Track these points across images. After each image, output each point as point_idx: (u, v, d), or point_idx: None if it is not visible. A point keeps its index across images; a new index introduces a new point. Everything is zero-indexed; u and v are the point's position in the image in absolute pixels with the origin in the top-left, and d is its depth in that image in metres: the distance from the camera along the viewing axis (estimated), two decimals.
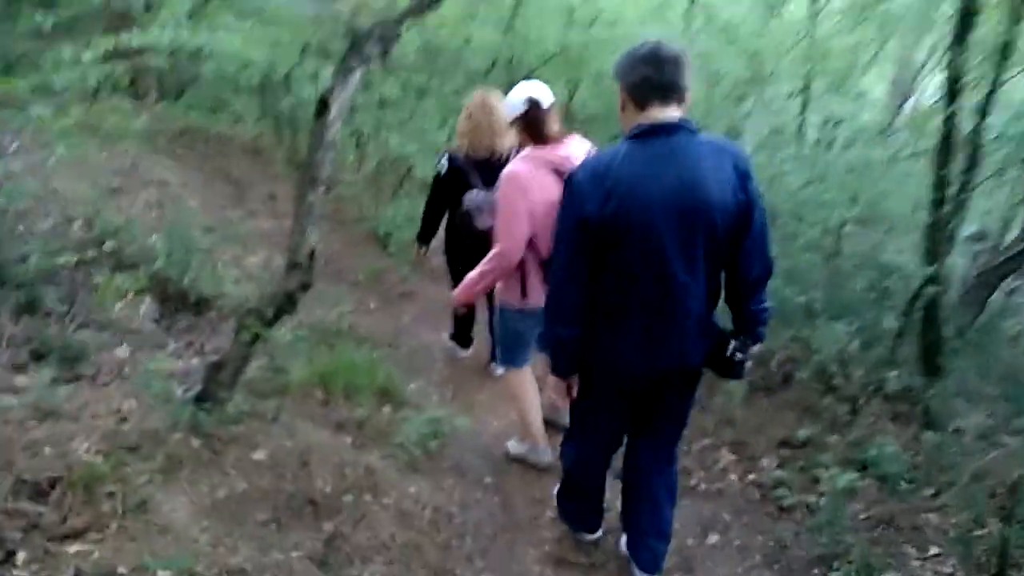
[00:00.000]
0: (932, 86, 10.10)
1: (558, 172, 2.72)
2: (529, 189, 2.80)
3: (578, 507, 2.93)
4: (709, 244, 2.17)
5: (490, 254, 2.93)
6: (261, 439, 2.69)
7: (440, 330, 5.17)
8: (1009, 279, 5.01)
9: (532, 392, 3.36)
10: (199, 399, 2.65)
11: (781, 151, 8.50)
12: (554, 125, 2.90)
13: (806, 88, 8.07)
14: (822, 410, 3.81)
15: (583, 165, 2.25)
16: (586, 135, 3.06)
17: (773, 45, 9.39)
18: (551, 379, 2.47)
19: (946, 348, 3.86)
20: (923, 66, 10.57)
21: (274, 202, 6.69)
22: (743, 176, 2.17)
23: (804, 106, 7.12)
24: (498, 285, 3.13)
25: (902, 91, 11.57)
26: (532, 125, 2.88)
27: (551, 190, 2.69)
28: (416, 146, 6.43)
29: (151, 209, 5.28)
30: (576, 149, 2.89)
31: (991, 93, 3.72)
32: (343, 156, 6.39)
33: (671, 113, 2.14)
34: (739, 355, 2.33)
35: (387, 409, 3.57)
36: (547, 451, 3.46)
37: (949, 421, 3.73)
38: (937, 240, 3.79)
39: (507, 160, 3.30)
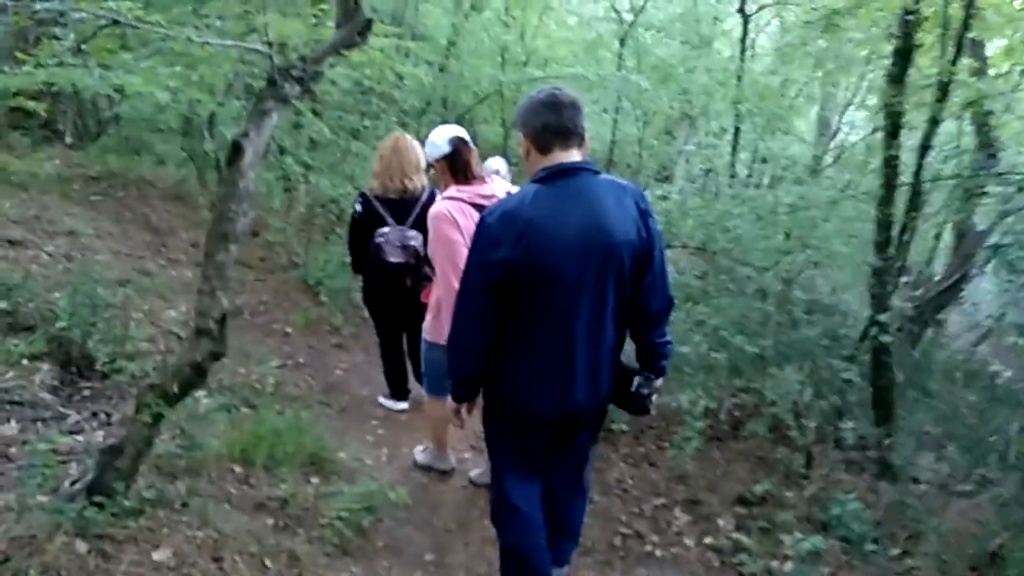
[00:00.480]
0: (857, 121, 10.39)
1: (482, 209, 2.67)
2: (458, 224, 2.90)
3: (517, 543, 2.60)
4: (617, 282, 2.23)
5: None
6: (166, 534, 2.36)
7: (375, 382, 4.88)
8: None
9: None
10: (92, 490, 2.30)
11: (714, 190, 8.58)
12: (476, 166, 3.02)
13: (737, 127, 8.13)
14: (776, 462, 3.66)
15: (493, 209, 2.26)
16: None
17: (704, 84, 9.48)
18: (449, 403, 2.50)
19: (896, 393, 3.77)
20: (848, 104, 10.88)
21: (197, 250, 6.30)
22: (644, 213, 2.25)
23: (735, 144, 7.11)
24: (426, 319, 3.26)
25: (827, 127, 11.87)
26: (457, 164, 2.97)
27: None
28: (348, 188, 6.20)
29: (56, 262, 4.87)
30: (499, 189, 3.01)
31: (930, 134, 3.69)
32: (270, 200, 6.07)
33: (573, 156, 2.22)
34: (644, 390, 2.38)
35: (315, 481, 3.26)
36: (449, 459, 3.79)
37: (905, 470, 3.63)
38: (884, 282, 3.72)
39: (418, 199, 3.89)
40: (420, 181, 3.89)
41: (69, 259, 5.04)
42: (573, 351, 2.24)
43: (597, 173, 2.25)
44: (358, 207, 3.99)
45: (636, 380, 2.37)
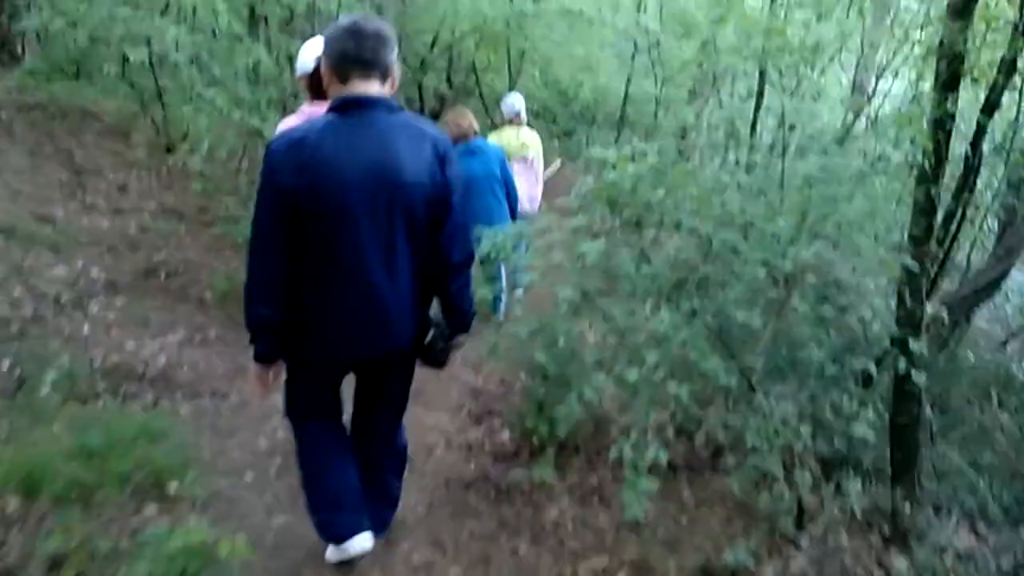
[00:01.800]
0: (896, 88, 9.31)
1: None
2: None
3: (326, 505, 2.43)
4: (408, 224, 2.15)
5: None
6: None
7: None
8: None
9: None
10: None
11: (731, 156, 7.60)
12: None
13: (760, 89, 7.12)
14: (758, 515, 2.83)
15: (282, 134, 2.13)
16: None
17: (730, 39, 8.44)
18: (253, 368, 2.26)
19: (921, 434, 2.91)
20: (885, 67, 9.77)
21: (122, 194, 5.51)
22: (442, 159, 2.17)
23: (757, 107, 6.12)
24: None
25: (862, 92, 10.77)
26: (316, 82, 2.53)
27: None
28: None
29: None
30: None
31: (1002, 87, 2.73)
32: (199, 137, 5.21)
33: (371, 88, 2.12)
34: (439, 343, 2.35)
35: (137, 519, 2.47)
36: None
37: (924, 533, 2.79)
38: (917, 289, 2.83)
39: None
40: None
41: None
42: (365, 292, 2.15)
43: (396, 110, 2.15)
44: None
45: (432, 332, 2.33)
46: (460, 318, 2.37)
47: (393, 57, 2.15)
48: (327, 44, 2.14)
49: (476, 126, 4.93)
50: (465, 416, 3.86)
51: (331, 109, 2.11)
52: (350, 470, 2.43)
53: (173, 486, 2.67)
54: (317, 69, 2.50)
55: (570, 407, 2.54)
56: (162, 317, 4.32)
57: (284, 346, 2.20)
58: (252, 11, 5.67)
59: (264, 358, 2.22)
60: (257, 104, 5.08)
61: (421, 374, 2.48)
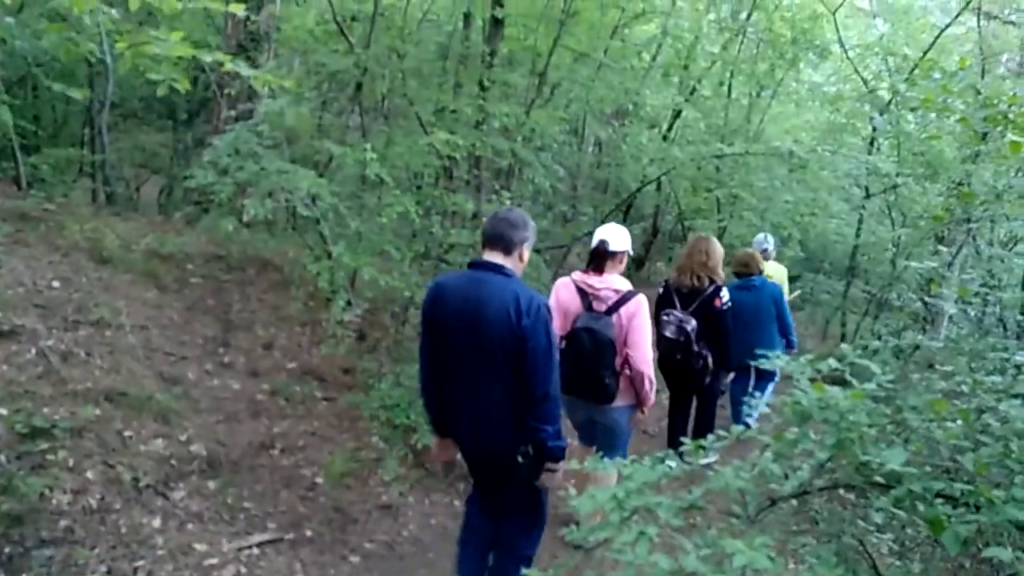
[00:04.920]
0: None
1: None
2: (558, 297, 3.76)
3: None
4: (491, 357, 2.74)
5: None
6: None
7: None
8: None
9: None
10: None
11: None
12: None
13: None
14: None
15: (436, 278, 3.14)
16: None
17: (987, 179, 6.95)
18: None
19: None
20: None
21: (265, 353, 5.12)
22: (519, 313, 2.69)
23: None
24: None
25: None
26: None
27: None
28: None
29: (34, 365, 3.82)
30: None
31: None
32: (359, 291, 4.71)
33: (494, 257, 2.84)
34: (520, 459, 2.76)
35: None
36: None
37: None
38: None
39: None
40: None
41: (67, 358, 4.00)
42: (463, 400, 2.85)
43: (505, 276, 2.81)
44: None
45: (520, 449, 2.76)
46: (538, 444, 2.75)
47: (519, 237, 2.85)
48: None
49: (760, 265, 5.41)
50: None
51: (468, 265, 2.94)
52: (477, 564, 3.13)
53: None
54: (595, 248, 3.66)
55: None
56: (255, 508, 3.65)
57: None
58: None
59: (434, 430, 3.10)
60: (402, 259, 4.51)
61: None
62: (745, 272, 5.38)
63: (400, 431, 4.30)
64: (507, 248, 2.81)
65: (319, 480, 4.01)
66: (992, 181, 6.43)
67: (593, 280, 3.62)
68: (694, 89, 9.69)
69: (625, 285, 3.61)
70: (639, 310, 3.53)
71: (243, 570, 3.16)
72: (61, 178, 6.62)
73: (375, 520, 3.89)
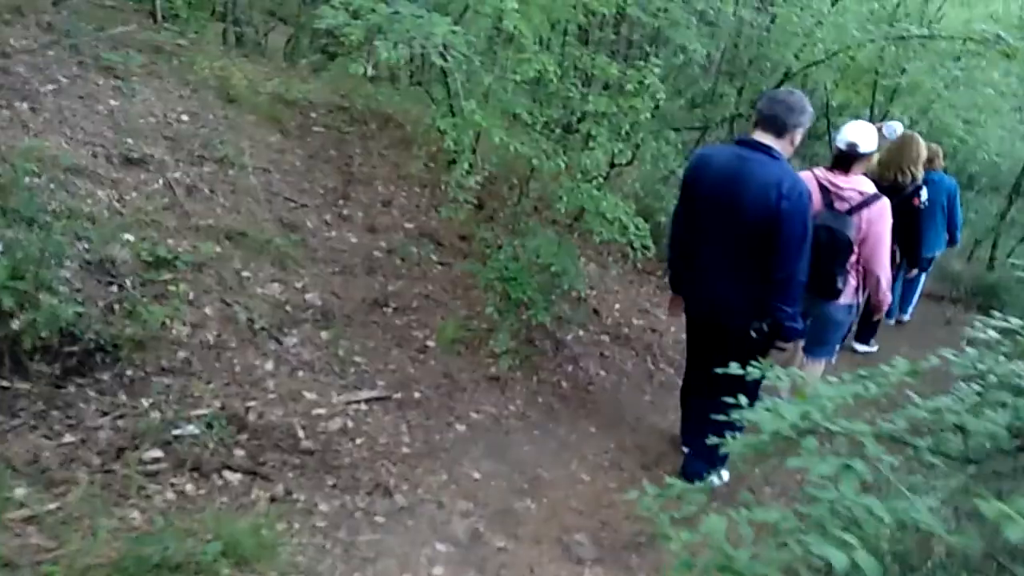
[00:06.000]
0: None
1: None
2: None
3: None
4: (742, 233, 2.87)
5: None
6: None
7: (512, 459, 3.12)
8: None
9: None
10: None
11: None
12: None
13: None
14: None
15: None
16: None
17: None
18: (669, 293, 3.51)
19: None
20: None
21: (384, 210, 4.96)
22: (780, 197, 2.77)
23: None
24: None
25: None
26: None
27: None
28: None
29: (163, 195, 3.79)
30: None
31: None
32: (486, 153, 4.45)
33: (765, 137, 2.92)
34: (752, 329, 2.95)
35: None
36: None
37: None
38: None
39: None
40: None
41: (191, 192, 3.96)
42: (708, 269, 3.05)
43: (772, 157, 2.87)
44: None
45: (754, 325, 2.93)
46: (775, 323, 2.92)
47: (794, 121, 2.92)
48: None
49: (941, 162, 5.75)
50: None
51: (735, 142, 3.09)
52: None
53: None
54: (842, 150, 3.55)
55: None
56: (365, 363, 3.57)
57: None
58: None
59: (671, 286, 3.44)
60: (532, 124, 4.17)
61: None
62: (928, 167, 5.17)
63: (515, 304, 4.10)
64: (780, 131, 2.90)
65: (430, 343, 3.90)
66: None
67: (839, 180, 3.54)
68: None
69: (870, 188, 3.54)
70: (882, 216, 3.47)
71: (350, 424, 3.10)
72: (195, 15, 6.49)
73: (483, 391, 3.77)
